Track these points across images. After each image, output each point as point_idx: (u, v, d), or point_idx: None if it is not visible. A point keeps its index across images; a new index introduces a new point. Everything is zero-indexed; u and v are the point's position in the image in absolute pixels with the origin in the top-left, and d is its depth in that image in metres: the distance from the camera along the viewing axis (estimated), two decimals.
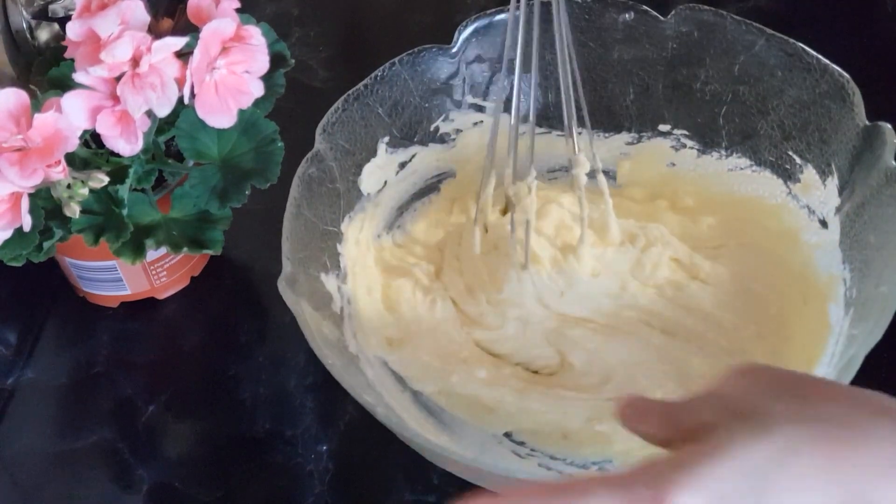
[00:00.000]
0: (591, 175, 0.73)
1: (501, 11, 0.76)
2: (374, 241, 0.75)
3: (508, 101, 0.73)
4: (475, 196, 0.79)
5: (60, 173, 0.59)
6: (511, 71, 0.71)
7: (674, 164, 0.79)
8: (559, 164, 0.79)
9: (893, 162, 0.63)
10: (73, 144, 0.59)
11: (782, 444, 0.39)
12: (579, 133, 0.72)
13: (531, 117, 0.72)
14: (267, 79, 0.65)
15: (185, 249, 0.70)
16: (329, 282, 0.69)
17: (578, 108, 0.71)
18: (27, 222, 0.60)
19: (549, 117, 0.78)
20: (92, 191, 0.62)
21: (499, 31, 0.76)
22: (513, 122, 0.72)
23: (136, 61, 0.59)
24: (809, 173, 0.72)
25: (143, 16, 0.61)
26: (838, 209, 0.69)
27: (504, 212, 0.76)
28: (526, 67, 0.71)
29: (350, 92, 0.72)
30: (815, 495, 0.39)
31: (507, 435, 0.68)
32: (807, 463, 0.39)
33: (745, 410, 0.41)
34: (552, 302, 0.71)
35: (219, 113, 0.63)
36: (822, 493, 0.39)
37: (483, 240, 0.74)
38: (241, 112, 0.64)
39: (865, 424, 0.40)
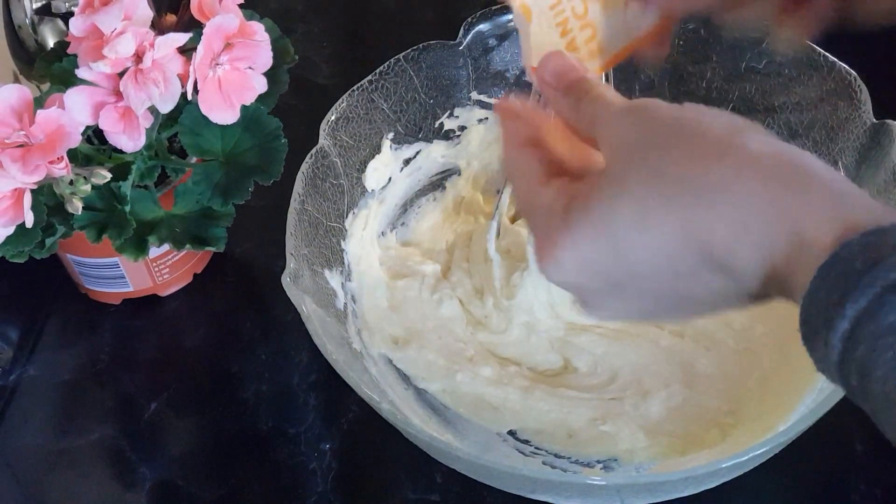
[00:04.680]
0: None
1: (507, 7, 0.75)
2: (379, 239, 0.75)
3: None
4: (481, 195, 0.78)
5: (63, 169, 0.59)
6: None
7: None
8: None
9: None
10: (75, 140, 0.59)
11: (635, 208, 0.41)
12: None
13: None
14: (270, 75, 0.65)
15: (187, 246, 0.70)
16: (333, 278, 0.68)
17: None
18: (29, 219, 0.59)
19: None
20: (94, 187, 0.62)
21: (504, 28, 0.75)
22: None
23: (139, 57, 0.59)
24: None
25: (146, 11, 0.60)
26: None
27: (513, 220, 0.76)
28: None
29: (354, 88, 0.71)
30: (668, 258, 0.40)
31: (512, 433, 0.67)
32: (657, 227, 0.40)
33: (612, 174, 0.43)
34: (563, 310, 0.71)
35: (222, 109, 0.63)
36: (673, 256, 0.40)
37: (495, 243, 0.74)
38: (245, 108, 0.64)
39: (728, 182, 0.39)
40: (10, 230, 0.60)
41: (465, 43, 0.75)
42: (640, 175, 0.41)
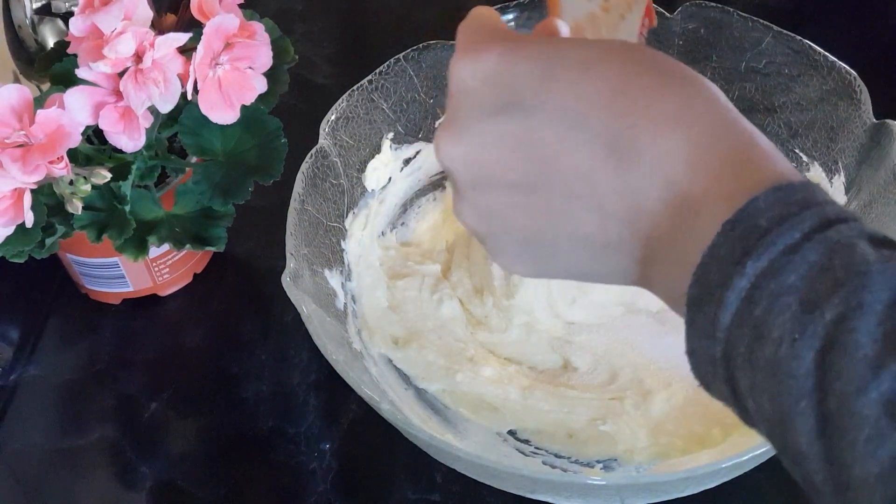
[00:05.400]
0: None
1: (507, 7, 0.75)
2: (379, 239, 0.75)
3: None
4: None
5: (63, 169, 0.59)
6: None
7: None
8: None
9: None
10: (75, 140, 0.59)
11: (584, 51, 0.38)
12: None
13: None
14: (270, 75, 0.65)
15: (187, 246, 0.69)
16: (333, 278, 0.68)
17: None
18: (29, 219, 0.59)
19: None
20: (94, 187, 0.62)
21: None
22: None
23: (139, 57, 0.59)
24: (816, 171, 0.71)
25: (146, 11, 0.60)
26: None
27: None
28: None
29: (354, 88, 0.71)
30: (590, 115, 0.37)
31: (512, 433, 0.67)
32: (589, 85, 0.37)
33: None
34: (563, 310, 0.71)
35: (222, 109, 0.63)
36: (587, 127, 0.37)
37: None
38: (245, 108, 0.64)
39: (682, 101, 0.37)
40: (11, 230, 0.60)
41: None
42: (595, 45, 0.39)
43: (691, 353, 0.36)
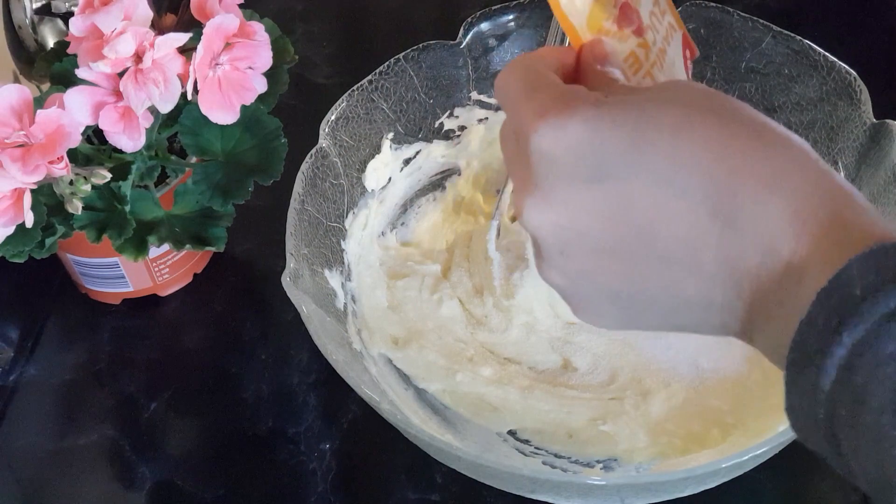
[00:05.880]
0: None
1: (507, 7, 0.75)
2: (379, 239, 0.75)
3: None
4: (481, 195, 0.78)
5: (63, 169, 0.59)
6: None
7: None
8: None
9: None
10: (75, 140, 0.59)
11: (681, 113, 0.37)
12: None
13: None
14: (270, 75, 0.65)
15: (187, 246, 0.69)
16: (333, 278, 0.68)
17: None
18: (29, 219, 0.59)
19: None
20: (94, 187, 0.62)
21: (504, 27, 0.75)
22: None
23: (139, 57, 0.59)
24: None
25: (146, 11, 0.60)
26: None
27: (513, 219, 0.76)
28: None
29: (354, 88, 0.71)
30: (689, 181, 0.37)
31: (512, 433, 0.67)
32: (684, 150, 0.37)
33: (659, 88, 0.39)
34: (563, 310, 0.71)
35: (222, 109, 0.63)
36: (686, 193, 0.37)
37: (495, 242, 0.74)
38: (245, 108, 0.64)
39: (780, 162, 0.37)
40: (10, 230, 0.60)
41: (465, 43, 0.75)
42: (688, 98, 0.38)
43: (791, 409, 0.36)
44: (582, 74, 0.44)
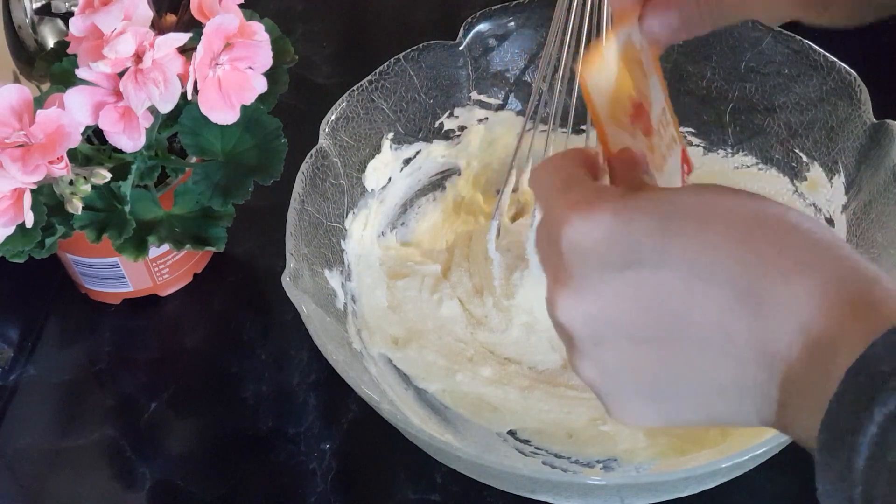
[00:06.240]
0: None
1: (507, 7, 0.75)
2: (379, 239, 0.75)
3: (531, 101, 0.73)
4: (481, 195, 0.78)
5: (63, 169, 0.59)
6: (548, 71, 0.71)
7: None
8: None
9: None
10: (75, 140, 0.59)
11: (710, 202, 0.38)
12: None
13: (564, 118, 0.72)
14: (270, 75, 0.65)
15: (187, 246, 0.69)
16: (333, 278, 0.68)
17: None
18: (29, 219, 0.59)
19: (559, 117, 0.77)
20: (94, 187, 0.62)
21: (504, 28, 0.76)
22: (550, 122, 0.72)
23: (139, 57, 0.59)
24: (816, 171, 0.71)
25: (146, 11, 0.60)
26: (845, 207, 0.69)
27: (513, 219, 0.76)
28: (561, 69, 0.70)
29: (354, 88, 0.71)
30: (719, 267, 0.37)
31: (512, 433, 0.67)
32: (713, 238, 0.38)
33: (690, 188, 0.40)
34: None
35: (222, 109, 0.63)
36: (717, 279, 0.37)
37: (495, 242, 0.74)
38: (245, 108, 0.64)
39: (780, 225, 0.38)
40: (10, 230, 0.60)
41: (465, 43, 0.75)
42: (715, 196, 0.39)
43: (824, 494, 0.36)
44: (612, 176, 0.46)
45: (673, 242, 0.38)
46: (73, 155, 0.64)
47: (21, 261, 0.65)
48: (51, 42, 0.81)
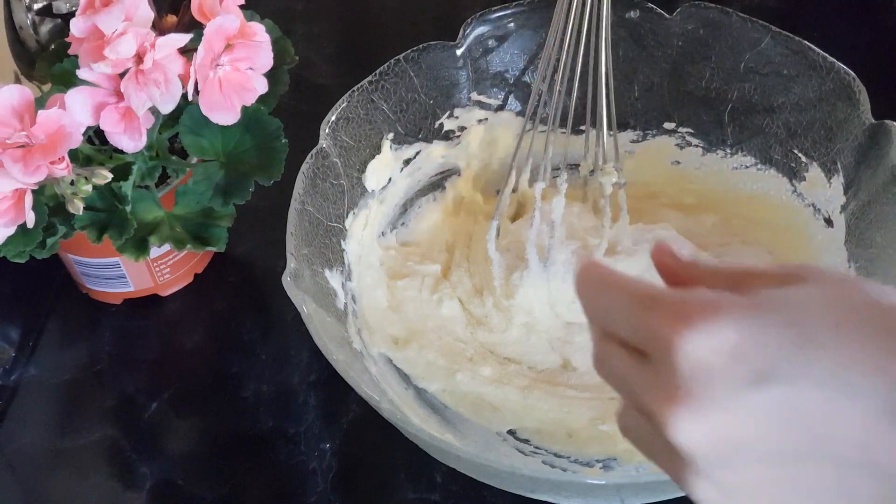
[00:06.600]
0: (591, 171, 0.74)
1: (507, 7, 0.75)
2: (379, 239, 0.75)
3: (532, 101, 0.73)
4: (481, 195, 0.78)
5: (64, 170, 0.59)
6: (547, 71, 0.71)
7: (678, 162, 0.78)
8: (556, 164, 0.78)
9: None
10: (76, 141, 0.59)
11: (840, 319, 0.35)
12: (610, 135, 0.72)
13: (563, 119, 0.72)
14: (271, 75, 0.65)
15: (188, 246, 0.70)
16: (333, 278, 0.68)
17: (608, 112, 0.71)
18: (30, 219, 0.60)
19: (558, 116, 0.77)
20: (95, 187, 0.62)
21: (504, 29, 0.76)
22: (550, 123, 0.72)
23: (139, 58, 0.59)
24: (815, 171, 0.72)
25: (146, 12, 0.61)
26: (844, 208, 0.69)
27: (513, 219, 0.76)
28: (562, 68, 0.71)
29: (354, 88, 0.72)
30: (862, 380, 0.35)
31: (512, 433, 0.67)
32: (852, 346, 0.35)
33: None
34: (563, 310, 0.71)
35: (222, 109, 0.63)
36: (860, 392, 0.35)
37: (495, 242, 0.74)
38: (245, 109, 0.64)
39: None
40: (12, 230, 0.60)
41: (464, 44, 0.75)
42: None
43: None
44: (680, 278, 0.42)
45: (809, 354, 0.35)
46: (74, 155, 0.64)
47: (22, 261, 0.65)
48: (51, 43, 0.81)
